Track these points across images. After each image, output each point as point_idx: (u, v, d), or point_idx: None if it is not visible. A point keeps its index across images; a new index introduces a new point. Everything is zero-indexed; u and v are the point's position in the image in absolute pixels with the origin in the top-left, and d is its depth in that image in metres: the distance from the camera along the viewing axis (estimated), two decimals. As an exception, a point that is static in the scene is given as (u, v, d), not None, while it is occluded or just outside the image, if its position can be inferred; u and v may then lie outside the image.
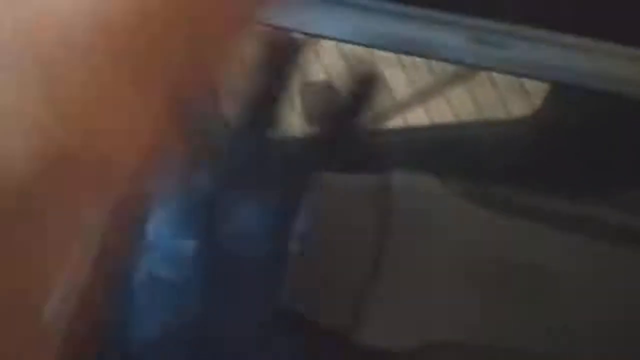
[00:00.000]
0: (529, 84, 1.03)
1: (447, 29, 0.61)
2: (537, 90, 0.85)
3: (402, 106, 1.17)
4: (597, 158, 0.70)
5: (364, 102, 0.60)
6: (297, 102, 0.61)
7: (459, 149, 0.75)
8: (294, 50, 0.58)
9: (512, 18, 0.60)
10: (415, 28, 0.61)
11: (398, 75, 1.15)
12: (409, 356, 0.53)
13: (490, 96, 1.12)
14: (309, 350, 0.55)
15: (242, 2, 0.29)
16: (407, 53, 0.62)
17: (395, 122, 1.12)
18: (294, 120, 0.60)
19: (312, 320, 0.54)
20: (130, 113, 0.26)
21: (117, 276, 0.52)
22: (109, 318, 0.53)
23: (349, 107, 0.61)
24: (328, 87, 0.62)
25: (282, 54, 0.58)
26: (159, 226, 0.57)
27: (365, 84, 0.60)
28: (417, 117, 1.17)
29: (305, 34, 0.62)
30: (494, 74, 1.09)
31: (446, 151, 0.74)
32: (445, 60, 0.62)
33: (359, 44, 0.62)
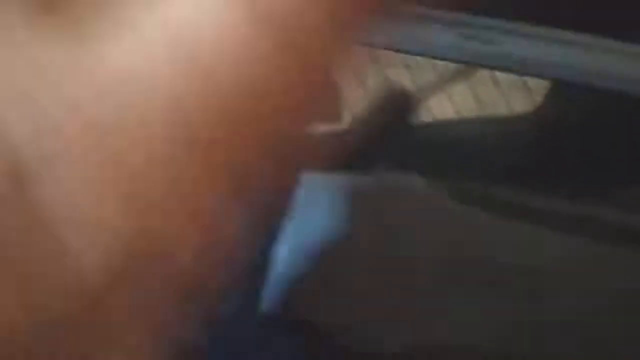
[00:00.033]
0: (532, 81, 1.02)
1: (437, 25, 0.61)
2: (539, 87, 0.84)
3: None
4: (598, 155, 0.70)
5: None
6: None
7: (459, 148, 0.74)
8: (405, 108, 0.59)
9: (506, 15, 0.60)
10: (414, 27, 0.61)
11: (402, 75, 1.15)
12: (409, 357, 0.54)
13: (492, 94, 1.12)
14: (309, 350, 0.55)
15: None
16: (407, 52, 0.62)
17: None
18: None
19: (312, 321, 0.54)
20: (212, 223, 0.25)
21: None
22: None
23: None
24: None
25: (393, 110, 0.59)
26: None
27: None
28: (420, 115, 1.17)
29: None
30: (497, 73, 1.09)
31: (447, 149, 0.74)
32: (435, 57, 0.62)
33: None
